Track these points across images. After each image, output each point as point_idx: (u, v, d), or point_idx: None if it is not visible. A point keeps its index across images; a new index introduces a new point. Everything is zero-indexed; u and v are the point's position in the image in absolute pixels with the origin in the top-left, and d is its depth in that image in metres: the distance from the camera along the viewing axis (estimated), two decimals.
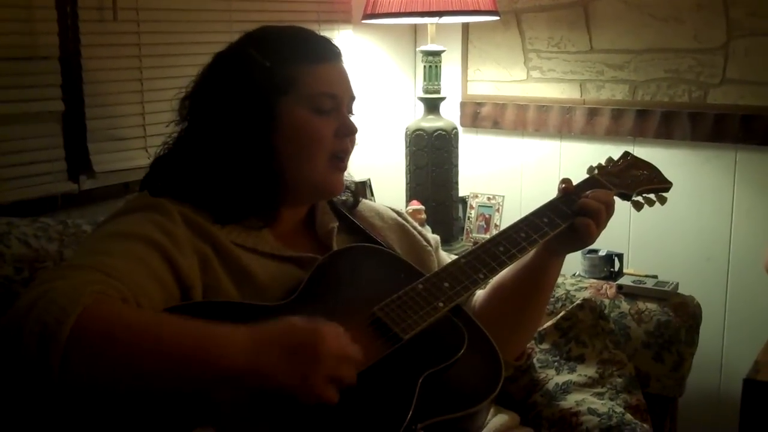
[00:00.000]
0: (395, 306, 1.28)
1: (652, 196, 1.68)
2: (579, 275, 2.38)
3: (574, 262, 2.45)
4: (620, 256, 2.41)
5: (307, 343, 1.08)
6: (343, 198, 1.60)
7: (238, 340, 1.08)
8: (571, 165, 2.66)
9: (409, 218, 1.69)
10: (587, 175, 1.61)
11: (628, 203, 1.63)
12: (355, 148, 1.47)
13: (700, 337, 2.48)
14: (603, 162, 1.68)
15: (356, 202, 1.61)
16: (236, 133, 1.37)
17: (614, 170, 1.65)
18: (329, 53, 1.45)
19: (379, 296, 1.29)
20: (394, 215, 1.66)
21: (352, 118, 1.46)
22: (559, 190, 1.53)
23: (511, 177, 2.79)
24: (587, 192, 1.51)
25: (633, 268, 2.46)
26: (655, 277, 2.36)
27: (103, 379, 1.04)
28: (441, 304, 1.30)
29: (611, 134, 2.61)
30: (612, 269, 2.39)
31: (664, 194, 1.71)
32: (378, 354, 1.21)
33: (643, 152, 2.58)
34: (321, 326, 1.11)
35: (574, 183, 1.55)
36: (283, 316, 1.13)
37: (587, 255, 2.39)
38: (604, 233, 2.37)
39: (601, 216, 1.47)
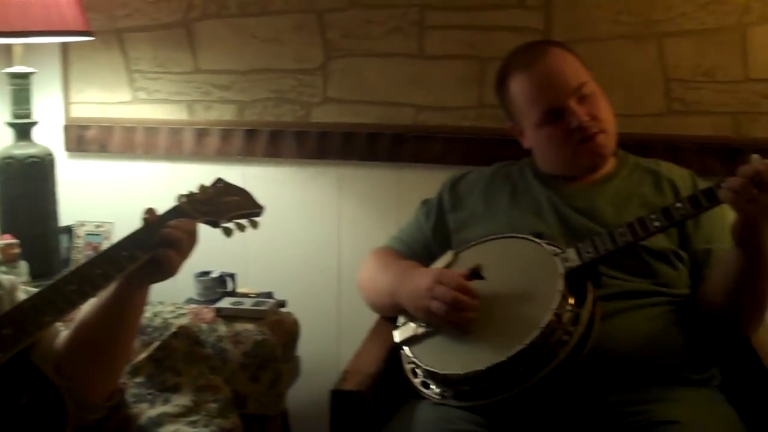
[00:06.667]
0: None
1: (243, 221, 1.68)
2: (192, 299, 2.36)
3: (186, 286, 2.41)
4: (233, 276, 2.42)
5: None
6: None
7: None
8: (182, 187, 2.59)
9: None
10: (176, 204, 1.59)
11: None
12: None
13: (318, 347, 2.58)
14: (195, 189, 1.66)
15: None
16: None
17: (203, 197, 1.64)
18: None
19: None
20: None
21: None
22: (142, 220, 1.49)
23: (120, 202, 2.68)
24: (171, 222, 1.48)
25: (248, 287, 2.48)
26: (270, 293, 2.40)
27: None
28: None
29: (222, 155, 2.61)
30: (225, 290, 2.39)
31: (256, 219, 1.71)
32: None
33: (254, 171, 2.63)
34: None
35: None
36: None
37: (199, 278, 2.37)
38: (219, 253, 2.37)
39: (183, 245, 1.46)
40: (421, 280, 1.76)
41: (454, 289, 1.69)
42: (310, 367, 2.50)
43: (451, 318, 1.68)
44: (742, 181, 1.55)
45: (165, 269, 1.44)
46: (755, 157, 1.60)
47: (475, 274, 1.74)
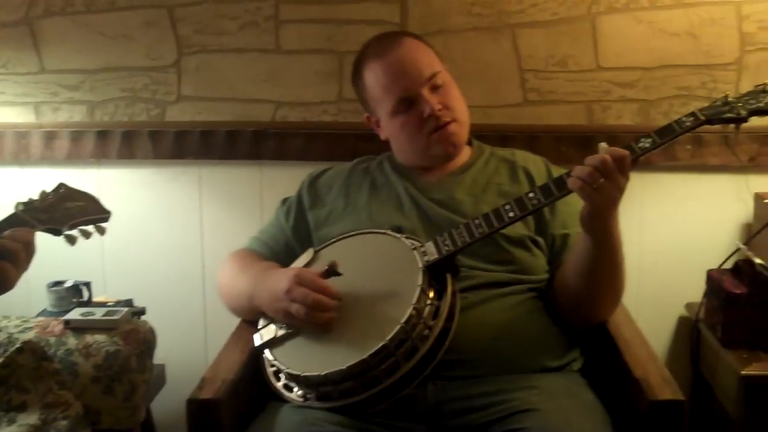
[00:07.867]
0: None
1: (89, 227, 1.60)
2: (47, 310, 2.25)
3: (40, 297, 2.31)
4: (88, 285, 2.32)
5: None
6: None
7: None
8: (32, 194, 2.49)
9: None
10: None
11: None
12: None
13: (184, 354, 2.51)
14: (36, 196, 1.58)
15: None
16: None
17: (43, 205, 1.56)
18: None
19: None
20: None
21: None
22: None
23: None
24: (5, 232, 1.40)
25: (106, 295, 2.38)
26: (129, 301, 2.31)
27: None
28: None
29: (73, 158, 2.49)
30: (81, 299, 2.28)
31: (102, 224, 1.63)
32: None
33: (109, 174, 2.53)
34: None
35: None
36: None
37: (52, 288, 2.26)
38: (75, 261, 2.27)
39: (19, 257, 1.38)
40: (279, 282, 1.71)
41: (313, 290, 1.66)
42: (176, 374, 2.44)
43: (311, 320, 1.65)
44: (589, 170, 1.58)
45: (0, 282, 1.36)
46: (603, 145, 1.62)
47: (332, 271, 1.71)
